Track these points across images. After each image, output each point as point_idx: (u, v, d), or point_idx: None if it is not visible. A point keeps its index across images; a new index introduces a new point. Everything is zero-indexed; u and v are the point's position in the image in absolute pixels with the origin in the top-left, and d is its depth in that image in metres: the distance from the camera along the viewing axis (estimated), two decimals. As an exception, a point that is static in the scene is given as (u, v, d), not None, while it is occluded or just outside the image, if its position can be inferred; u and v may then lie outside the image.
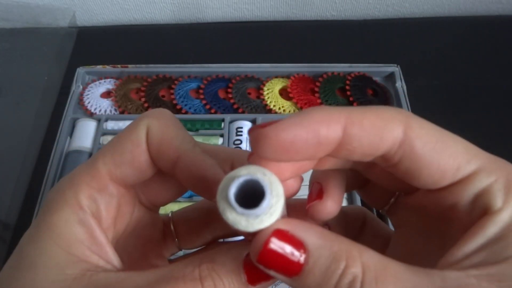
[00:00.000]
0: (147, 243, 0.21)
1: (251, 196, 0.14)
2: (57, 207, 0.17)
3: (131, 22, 0.70)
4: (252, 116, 0.53)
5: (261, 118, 0.52)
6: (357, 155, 0.16)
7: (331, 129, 0.15)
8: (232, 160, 0.20)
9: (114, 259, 0.18)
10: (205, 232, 0.23)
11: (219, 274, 0.15)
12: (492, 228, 0.14)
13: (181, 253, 0.24)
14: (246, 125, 0.52)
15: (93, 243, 0.17)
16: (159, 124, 0.18)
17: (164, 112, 0.19)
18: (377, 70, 0.57)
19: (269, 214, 0.14)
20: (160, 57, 0.61)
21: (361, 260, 0.14)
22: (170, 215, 0.23)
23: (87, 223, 0.17)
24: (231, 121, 0.52)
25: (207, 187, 0.18)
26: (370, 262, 0.14)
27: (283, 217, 0.16)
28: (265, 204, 0.14)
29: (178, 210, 0.24)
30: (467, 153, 0.15)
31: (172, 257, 0.24)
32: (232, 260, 0.16)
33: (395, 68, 0.57)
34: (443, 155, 0.15)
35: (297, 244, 0.14)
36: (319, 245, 0.14)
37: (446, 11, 0.69)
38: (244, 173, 0.15)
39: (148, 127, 0.18)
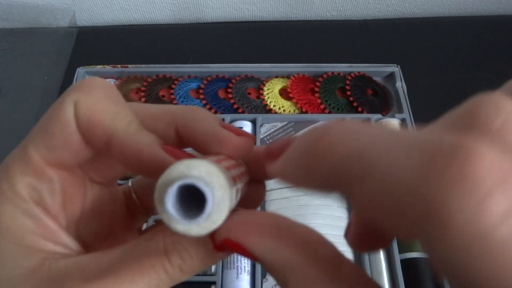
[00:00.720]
0: (111, 219, 0.20)
1: (194, 192, 0.13)
2: None
3: (131, 22, 0.70)
4: (252, 116, 0.53)
5: (261, 118, 0.52)
6: None
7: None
8: (176, 122, 0.18)
9: (71, 243, 0.17)
10: None
11: (185, 246, 0.15)
12: None
13: (151, 220, 0.23)
14: (246, 125, 0.52)
15: (45, 231, 0.16)
16: (87, 98, 0.16)
17: (95, 82, 0.17)
18: (377, 70, 0.57)
19: (219, 211, 0.13)
20: (160, 57, 0.61)
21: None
22: (130, 184, 0.22)
23: (33, 212, 0.16)
24: (231, 121, 0.53)
25: (145, 169, 0.16)
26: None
27: (237, 191, 0.15)
28: (209, 208, 0.13)
29: (138, 177, 0.22)
30: None
31: (144, 227, 0.23)
32: None
33: (395, 68, 0.57)
34: None
35: (246, 253, 0.14)
36: (269, 253, 0.14)
37: (446, 11, 0.69)
38: (176, 176, 0.13)
39: (75, 104, 0.16)
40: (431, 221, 0.09)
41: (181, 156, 0.16)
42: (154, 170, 0.15)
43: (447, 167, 0.09)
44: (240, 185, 0.16)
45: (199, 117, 0.18)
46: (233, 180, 0.15)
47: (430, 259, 0.10)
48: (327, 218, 0.44)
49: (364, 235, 0.16)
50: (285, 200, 0.45)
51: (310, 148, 0.12)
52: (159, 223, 0.22)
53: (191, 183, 0.13)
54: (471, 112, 0.11)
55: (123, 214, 0.21)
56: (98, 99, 0.16)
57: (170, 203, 0.13)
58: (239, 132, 0.17)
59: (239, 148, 0.17)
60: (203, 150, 0.17)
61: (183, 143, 0.18)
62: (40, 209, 0.16)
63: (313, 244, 0.13)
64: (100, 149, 0.17)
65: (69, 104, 0.16)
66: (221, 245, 0.15)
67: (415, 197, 0.09)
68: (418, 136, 0.10)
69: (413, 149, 0.10)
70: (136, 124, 0.17)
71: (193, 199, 0.13)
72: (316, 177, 0.12)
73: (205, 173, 0.13)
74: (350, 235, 0.17)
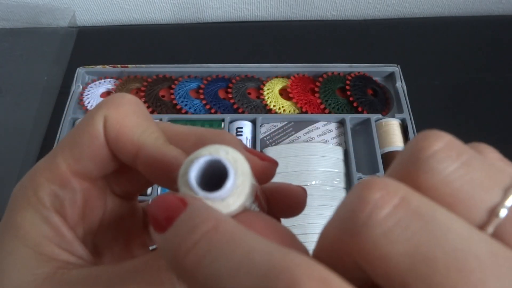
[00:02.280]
0: (127, 234, 0.21)
1: (217, 179, 0.13)
2: (20, 207, 0.16)
3: (131, 22, 0.70)
4: (252, 116, 0.53)
5: (261, 118, 0.52)
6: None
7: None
8: (203, 144, 0.18)
9: (85, 254, 0.17)
10: None
11: None
12: None
13: None
14: (246, 125, 0.52)
15: (61, 240, 0.16)
16: (117, 113, 0.17)
17: (124, 99, 0.18)
18: (377, 70, 0.57)
19: (236, 195, 0.13)
20: (160, 57, 0.61)
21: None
22: (150, 202, 0.22)
23: (52, 220, 0.16)
24: (231, 121, 0.52)
25: (173, 181, 0.16)
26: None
27: (257, 199, 0.15)
28: (229, 184, 0.13)
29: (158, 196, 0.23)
30: None
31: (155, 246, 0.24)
32: None
33: (395, 68, 0.57)
34: None
35: None
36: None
37: (446, 11, 0.69)
38: (205, 153, 0.13)
39: (105, 118, 0.17)
40: None
41: None
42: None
43: None
44: (259, 191, 0.16)
45: (224, 139, 0.17)
46: (255, 192, 0.15)
47: None
48: (327, 218, 0.44)
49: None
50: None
51: (176, 262, 0.12)
52: None
53: (219, 159, 0.13)
54: (414, 150, 0.12)
55: (139, 230, 0.22)
56: (127, 114, 0.17)
57: (193, 175, 0.13)
58: (263, 157, 0.17)
59: (261, 172, 0.17)
60: None
61: None
62: (59, 217, 0.17)
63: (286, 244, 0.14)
64: (127, 162, 0.17)
65: (99, 118, 0.17)
66: None
67: None
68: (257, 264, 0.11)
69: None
70: (164, 140, 0.17)
71: (215, 186, 0.13)
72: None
73: (233, 156, 0.14)
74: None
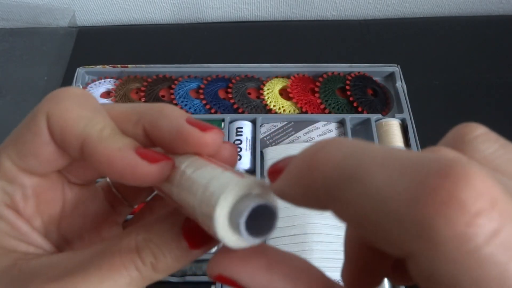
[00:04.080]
0: (94, 217, 0.20)
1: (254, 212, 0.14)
2: None
3: (131, 22, 0.70)
4: (252, 116, 0.53)
5: (261, 118, 0.52)
6: None
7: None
8: (143, 121, 0.18)
9: (45, 244, 0.17)
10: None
11: (157, 244, 0.15)
12: None
13: None
14: (246, 125, 0.52)
15: (18, 233, 0.17)
16: (59, 108, 0.16)
17: (67, 92, 0.17)
18: (377, 70, 0.57)
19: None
20: (160, 57, 0.61)
21: None
22: (108, 179, 0.22)
23: (4, 214, 0.17)
24: (231, 121, 0.52)
25: (118, 173, 0.16)
26: None
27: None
28: (273, 230, 0.14)
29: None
30: None
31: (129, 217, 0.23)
32: (170, 228, 0.15)
33: (395, 68, 0.57)
34: None
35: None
36: None
37: (446, 11, 0.69)
38: (256, 194, 0.14)
39: (48, 114, 0.16)
40: (422, 239, 0.09)
41: (155, 159, 0.15)
42: (127, 175, 0.15)
43: (438, 188, 0.09)
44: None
45: (164, 114, 0.17)
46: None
47: (416, 277, 0.10)
48: (327, 218, 0.44)
49: (357, 274, 0.16)
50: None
51: (306, 163, 0.12)
52: (130, 224, 0.22)
53: (267, 205, 0.13)
54: (458, 135, 0.13)
55: (105, 210, 0.21)
56: (69, 108, 0.16)
57: (243, 221, 0.13)
58: (204, 127, 0.16)
59: (205, 145, 0.16)
60: (170, 149, 0.17)
61: (153, 143, 0.18)
62: (12, 211, 0.17)
63: (304, 276, 0.14)
64: (76, 157, 0.17)
65: (42, 115, 0.16)
66: (196, 238, 0.15)
67: (407, 215, 0.10)
68: (411, 156, 0.11)
69: (406, 169, 0.10)
70: (110, 129, 0.16)
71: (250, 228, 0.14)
72: (312, 192, 0.12)
73: (272, 197, 0.14)
74: (345, 275, 0.17)
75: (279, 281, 0.13)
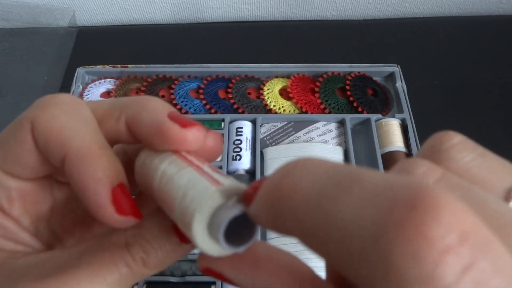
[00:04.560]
0: (85, 214, 0.20)
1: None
2: None
3: (131, 22, 0.70)
4: (252, 116, 0.52)
5: (261, 118, 0.52)
6: None
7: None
8: (125, 116, 0.17)
9: (34, 242, 0.17)
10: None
11: (147, 238, 0.15)
12: None
13: None
14: (246, 125, 0.52)
15: (5, 232, 0.16)
16: (45, 116, 0.16)
17: (54, 99, 0.16)
18: (377, 70, 0.57)
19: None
20: (160, 57, 0.61)
21: None
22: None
23: None
24: (231, 121, 0.52)
25: (86, 203, 0.15)
26: None
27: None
28: (252, 241, 0.14)
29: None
30: None
31: None
32: (159, 223, 0.15)
33: (395, 68, 0.57)
34: None
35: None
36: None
37: (446, 11, 0.69)
38: (234, 202, 0.13)
39: (32, 122, 0.16)
40: (389, 281, 0.09)
41: (123, 210, 0.15)
42: (93, 210, 0.15)
43: (404, 223, 0.09)
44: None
45: (146, 107, 0.16)
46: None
47: None
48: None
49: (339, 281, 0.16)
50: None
51: (273, 190, 0.12)
52: None
53: (243, 214, 0.13)
54: (435, 144, 0.13)
55: None
56: (56, 116, 0.16)
57: (222, 233, 0.13)
58: (186, 123, 0.15)
59: (185, 141, 0.15)
60: (150, 146, 0.16)
61: (135, 139, 0.17)
62: None
63: (292, 272, 0.14)
64: (58, 167, 0.16)
65: (26, 122, 0.16)
66: (186, 238, 0.15)
67: (372, 255, 0.09)
68: (379, 181, 0.10)
69: (372, 198, 0.09)
70: (95, 147, 0.15)
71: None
72: (281, 220, 0.12)
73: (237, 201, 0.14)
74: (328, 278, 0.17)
75: (265, 276, 0.13)
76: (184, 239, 0.15)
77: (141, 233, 0.15)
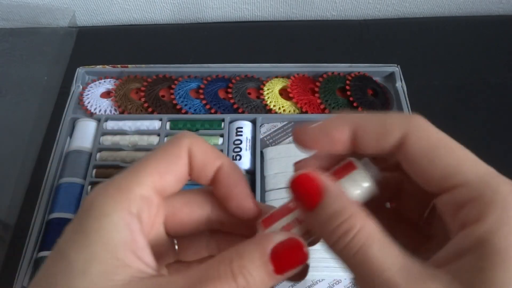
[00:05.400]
0: (162, 249, 0.22)
1: None
2: (106, 212, 0.17)
3: (131, 22, 0.70)
4: (252, 116, 0.52)
5: (261, 118, 0.52)
6: (368, 153, 0.19)
7: (341, 132, 0.19)
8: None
9: (152, 263, 0.18)
10: (204, 247, 0.23)
11: (249, 270, 0.17)
12: (462, 243, 0.16)
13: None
14: (246, 125, 0.52)
15: (136, 248, 0.17)
16: (200, 143, 0.21)
17: (191, 134, 0.21)
18: (377, 70, 0.57)
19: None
20: (160, 57, 0.61)
21: (363, 220, 0.17)
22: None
23: (133, 227, 0.18)
24: (231, 121, 0.52)
25: (231, 210, 0.21)
26: (370, 227, 0.16)
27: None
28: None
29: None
30: (458, 164, 0.17)
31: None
32: (259, 255, 0.17)
33: (395, 68, 0.57)
34: (432, 163, 0.17)
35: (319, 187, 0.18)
36: (336, 193, 0.17)
37: (446, 11, 0.69)
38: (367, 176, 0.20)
39: (190, 143, 0.20)
40: None
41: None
42: (239, 215, 0.21)
43: None
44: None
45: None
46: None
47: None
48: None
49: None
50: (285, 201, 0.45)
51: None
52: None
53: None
54: None
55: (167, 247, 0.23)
56: (205, 142, 0.21)
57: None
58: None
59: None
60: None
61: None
62: (139, 225, 0.18)
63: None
64: (207, 177, 0.21)
65: (185, 142, 0.20)
66: (281, 264, 0.17)
67: None
68: None
69: None
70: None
71: None
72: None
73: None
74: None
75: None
76: (278, 269, 0.17)
77: (244, 265, 0.17)
